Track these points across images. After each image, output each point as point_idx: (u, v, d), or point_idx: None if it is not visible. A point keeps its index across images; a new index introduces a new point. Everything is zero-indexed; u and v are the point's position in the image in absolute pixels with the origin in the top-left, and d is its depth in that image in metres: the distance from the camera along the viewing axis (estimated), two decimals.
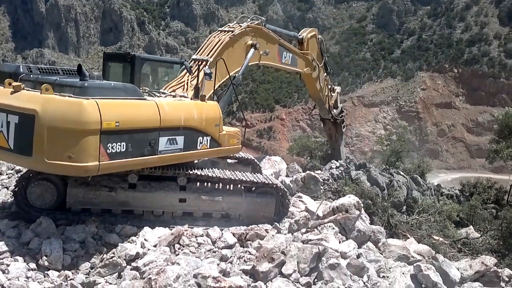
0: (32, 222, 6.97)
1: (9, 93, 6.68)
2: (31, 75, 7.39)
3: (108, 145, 6.39)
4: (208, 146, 8.12)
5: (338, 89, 16.96)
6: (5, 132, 6.48)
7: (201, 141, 7.97)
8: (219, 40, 10.53)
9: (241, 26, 11.16)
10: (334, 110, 16.47)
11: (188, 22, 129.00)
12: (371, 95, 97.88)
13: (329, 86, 16.18)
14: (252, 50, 11.15)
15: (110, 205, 7.58)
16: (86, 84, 6.54)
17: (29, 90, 6.69)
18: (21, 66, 7.84)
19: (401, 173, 15.80)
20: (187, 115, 7.68)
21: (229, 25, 11.52)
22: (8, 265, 5.93)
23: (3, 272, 5.77)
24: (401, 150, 18.91)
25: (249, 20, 11.80)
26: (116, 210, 7.63)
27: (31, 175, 7.29)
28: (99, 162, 6.33)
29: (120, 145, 6.58)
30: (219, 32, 11.12)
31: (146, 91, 8.46)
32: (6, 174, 9.88)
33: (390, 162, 17.98)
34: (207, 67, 9.21)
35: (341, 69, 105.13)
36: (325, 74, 15.63)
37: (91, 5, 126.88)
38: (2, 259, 6.13)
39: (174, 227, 7.45)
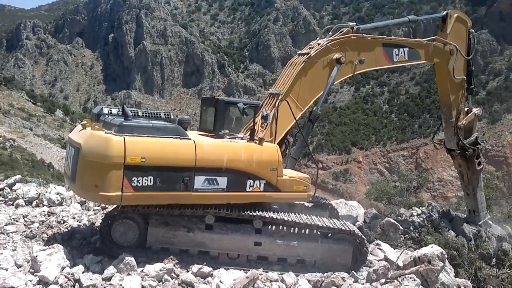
0: (114, 258, 7.26)
1: (79, 130, 7.79)
2: (107, 116, 8.20)
3: (133, 178, 6.98)
4: (261, 190, 7.99)
5: (476, 111, 12.44)
6: (70, 162, 7.58)
7: (252, 184, 7.90)
8: (293, 69, 9.63)
9: (319, 44, 9.78)
10: (465, 141, 12.37)
11: (266, 65, 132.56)
12: None
13: (465, 104, 12.43)
14: (336, 67, 9.68)
15: (187, 245, 7.74)
16: (124, 123, 7.28)
17: (102, 129, 7.43)
18: (103, 108, 8.85)
19: (490, 222, 14.75)
20: (232, 157, 7.73)
21: (310, 44, 10.18)
22: None
23: None
24: (488, 197, 17.71)
25: (330, 33, 10.19)
26: (193, 250, 7.76)
27: (115, 213, 7.65)
28: (122, 193, 6.93)
29: (147, 179, 7.05)
30: (297, 56, 10.02)
31: (226, 133, 8.66)
32: (93, 210, 10.43)
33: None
34: (266, 109, 9.06)
35: (421, 111, 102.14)
36: (464, 89, 12.17)
37: (175, 50, 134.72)
38: None
39: (249, 270, 7.42)
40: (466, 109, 12.41)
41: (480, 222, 13.08)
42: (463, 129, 12.37)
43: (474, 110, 12.49)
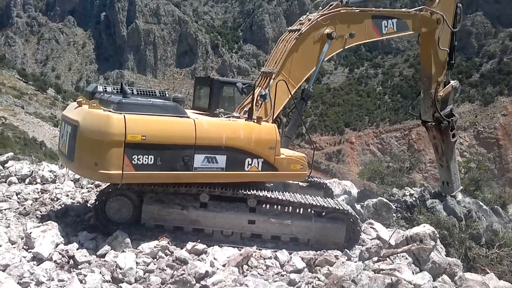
0: (109, 235, 7.27)
1: (74, 108, 7.66)
2: (103, 94, 8.15)
3: (133, 156, 6.89)
4: (259, 169, 7.99)
5: (454, 83, 12.63)
6: (66, 140, 7.49)
7: (250, 162, 7.90)
8: (285, 46, 9.54)
9: (309, 20, 9.67)
10: (441, 113, 12.42)
11: (260, 45, 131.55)
12: None
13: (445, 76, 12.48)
14: (327, 42, 9.62)
15: (182, 223, 7.75)
16: (123, 101, 7.19)
17: (99, 107, 7.30)
18: (98, 86, 8.82)
19: (481, 203, 14.91)
20: (231, 135, 7.71)
21: (300, 20, 10.02)
22: (85, 276, 6.20)
23: (81, 282, 6.04)
24: (480, 179, 17.84)
25: (320, 8, 10.03)
26: (187, 228, 7.79)
27: (110, 190, 7.64)
28: (122, 171, 6.84)
29: (147, 158, 7.00)
30: (288, 32, 9.87)
31: (221, 112, 8.64)
32: (87, 188, 10.41)
33: (468, 191, 17.02)
34: (264, 88, 9.00)
35: (415, 93, 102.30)
36: (446, 62, 12.25)
37: (168, 29, 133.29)
38: (81, 269, 6.44)
39: (242, 248, 7.47)
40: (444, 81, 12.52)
41: (453, 193, 13.36)
42: (440, 100, 12.47)
43: (452, 82, 12.63)
